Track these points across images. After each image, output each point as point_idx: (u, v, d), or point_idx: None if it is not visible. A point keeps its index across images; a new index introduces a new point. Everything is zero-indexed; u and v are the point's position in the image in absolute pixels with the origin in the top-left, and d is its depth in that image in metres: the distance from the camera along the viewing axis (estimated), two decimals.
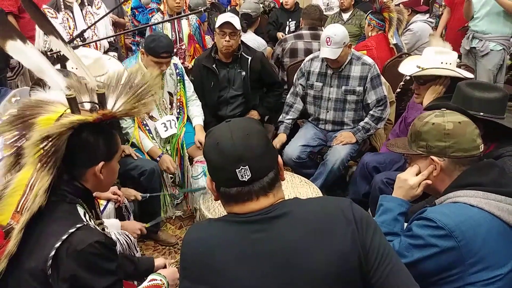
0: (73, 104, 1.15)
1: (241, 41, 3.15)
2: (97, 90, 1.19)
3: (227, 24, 2.90)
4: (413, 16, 4.25)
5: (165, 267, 1.62)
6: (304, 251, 1.00)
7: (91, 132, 1.19)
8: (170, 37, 3.59)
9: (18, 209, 1.13)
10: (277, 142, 2.99)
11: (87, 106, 1.21)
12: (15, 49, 1.24)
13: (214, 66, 3.08)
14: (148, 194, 2.34)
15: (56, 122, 1.13)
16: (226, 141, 1.03)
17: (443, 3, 4.56)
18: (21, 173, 1.16)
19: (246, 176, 1.01)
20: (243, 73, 3.11)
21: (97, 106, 1.19)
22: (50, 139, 1.10)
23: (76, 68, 2.04)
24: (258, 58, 3.16)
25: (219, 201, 1.11)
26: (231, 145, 1.02)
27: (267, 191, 1.05)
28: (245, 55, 3.11)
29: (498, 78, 3.79)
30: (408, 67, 2.29)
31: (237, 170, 1.01)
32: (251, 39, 3.80)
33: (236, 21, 2.93)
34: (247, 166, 1.01)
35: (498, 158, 1.58)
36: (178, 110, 2.97)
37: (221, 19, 2.95)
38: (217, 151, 1.04)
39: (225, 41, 2.94)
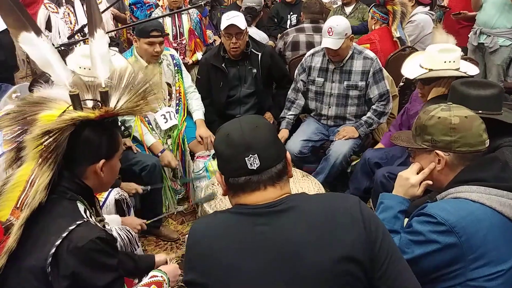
0: (76, 101, 1.16)
1: (249, 36, 3.03)
2: (101, 88, 1.19)
3: (232, 26, 2.79)
4: (416, 8, 4.21)
5: (166, 263, 1.62)
6: (307, 247, 1.00)
7: (93, 130, 1.19)
8: (171, 32, 3.58)
9: (18, 205, 1.13)
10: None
11: (90, 104, 1.21)
12: (27, 40, 1.23)
13: (223, 65, 2.98)
14: (149, 187, 2.34)
15: (58, 118, 1.13)
16: (235, 132, 1.07)
17: None
18: (22, 169, 1.16)
19: (255, 165, 1.04)
20: (254, 70, 3.01)
21: (100, 104, 1.19)
22: (51, 134, 1.10)
23: (85, 68, 2.04)
24: (268, 53, 3.05)
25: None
26: (240, 134, 1.06)
27: (275, 181, 1.06)
28: (254, 51, 3.00)
29: (509, 72, 3.70)
30: (410, 68, 2.24)
31: (246, 158, 1.04)
32: (254, 33, 3.75)
33: (240, 21, 2.81)
34: (256, 155, 1.04)
35: (496, 149, 1.57)
36: (177, 101, 2.93)
37: (224, 20, 2.83)
38: (227, 142, 1.07)
39: (232, 43, 2.85)
